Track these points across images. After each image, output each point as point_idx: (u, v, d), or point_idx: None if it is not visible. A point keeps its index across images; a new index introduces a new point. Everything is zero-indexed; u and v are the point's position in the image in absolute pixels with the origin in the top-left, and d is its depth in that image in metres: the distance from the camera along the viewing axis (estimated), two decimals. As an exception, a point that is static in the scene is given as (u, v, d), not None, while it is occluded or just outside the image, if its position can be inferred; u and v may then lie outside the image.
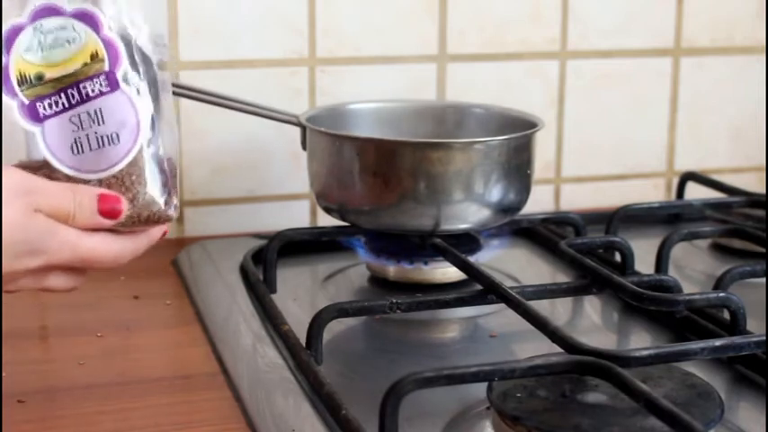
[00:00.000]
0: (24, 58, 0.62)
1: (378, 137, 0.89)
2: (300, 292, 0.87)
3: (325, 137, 0.86)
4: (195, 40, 0.99)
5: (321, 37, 1.02)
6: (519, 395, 0.60)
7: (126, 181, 0.62)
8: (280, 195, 1.04)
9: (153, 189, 0.63)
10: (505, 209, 0.86)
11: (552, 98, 1.11)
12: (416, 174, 0.82)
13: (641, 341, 0.79)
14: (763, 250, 0.87)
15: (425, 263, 0.86)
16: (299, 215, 1.05)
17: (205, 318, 0.82)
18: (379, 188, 0.83)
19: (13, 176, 0.58)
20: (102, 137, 0.62)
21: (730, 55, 1.16)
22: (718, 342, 0.65)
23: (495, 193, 0.84)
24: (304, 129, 0.89)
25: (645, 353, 0.63)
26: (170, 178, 0.64)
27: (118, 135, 0.62)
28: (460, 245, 0.85)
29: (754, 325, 0.73)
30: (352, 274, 0.91)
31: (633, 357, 0.62)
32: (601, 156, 1.14)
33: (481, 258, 0.87)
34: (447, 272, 0.85)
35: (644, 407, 0.55)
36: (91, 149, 0.62)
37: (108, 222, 0.61)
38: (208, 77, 0.99)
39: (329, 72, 1.03)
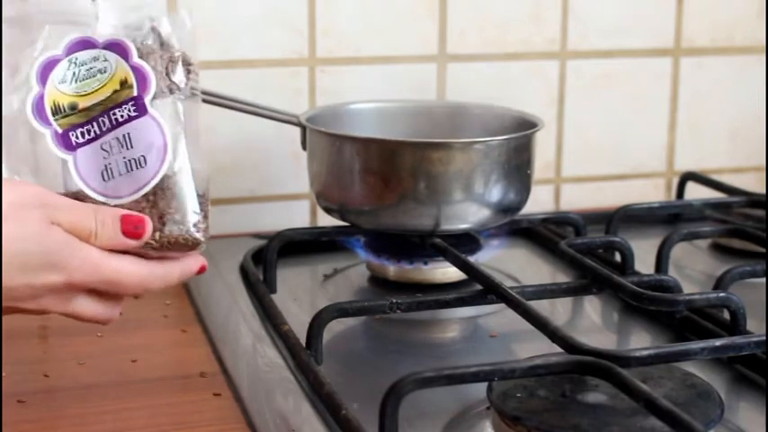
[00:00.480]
0: (59, 88, 0.63)
1: (378, 137, 0.89)
2: (300, 292, 0.87)
3: (325, 137, 0.86)
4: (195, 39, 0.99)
5: (321, 37, 1.02)
6: (519, 395, 0.60)
7: (154, 203, 0.62)
8: (280, 195, 1.04)
9: (182, 212, 0.63)
10: (505, 209, 0.86)
11: (552, 98, 1.11)
12: (416, 174, 0.82)
13: (641, 341, 0.79)
14: (763, 250, 0.87)
15: (425, 263, 0.86)
16: (299, 215, 1.05)
17: (205, 318, 0.82)
18: (379, 188, 0.83)
19: (29, 189, 0.58)
20: (130, 161, 0.62)
21: (730, 55, 1.16)
22: (718, 342, 0.65)
23: (495, 193, 0.84)
24: (304, 129, 0.89)
25: (645, 353, 0.63)
26: (201, 202, 0.64)
27: (145, 158, 0.62)
28: (460, 245, 0.85)
29: (754, 325, 0.73)
30: (352, 274, 0.91)
31: (633, 357, 0.62)
32: (601, 156, 1.14)
33: (481, 258, 0.87)
34: (447, 272, 0.85)
35: (644, 407, 0.55)
36: (120, 174, 0.62)
37: (132, 243, 0.60)
38: (208, 77, 0.98)
39: (329, 72, 1.03)
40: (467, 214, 0.84)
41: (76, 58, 0.63)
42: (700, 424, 0.53)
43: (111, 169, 0.62)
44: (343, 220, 0.87)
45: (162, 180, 0.62)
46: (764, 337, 0.65)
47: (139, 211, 0.62)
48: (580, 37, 1.10)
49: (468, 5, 1.06)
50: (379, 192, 0.83)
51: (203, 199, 0.65)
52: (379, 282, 0.88)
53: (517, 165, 0.85)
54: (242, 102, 0.91)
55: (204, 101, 0.89)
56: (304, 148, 0.90)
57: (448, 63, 1.07)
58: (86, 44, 0.63)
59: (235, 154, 1.02)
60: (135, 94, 0.63)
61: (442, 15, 1.05)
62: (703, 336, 0.73)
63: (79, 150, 0.62)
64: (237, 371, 0.72)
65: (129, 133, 0.62)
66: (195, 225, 0.63)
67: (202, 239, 0.63)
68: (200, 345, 0.77)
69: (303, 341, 0.70)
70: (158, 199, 0.62)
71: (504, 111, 0.94)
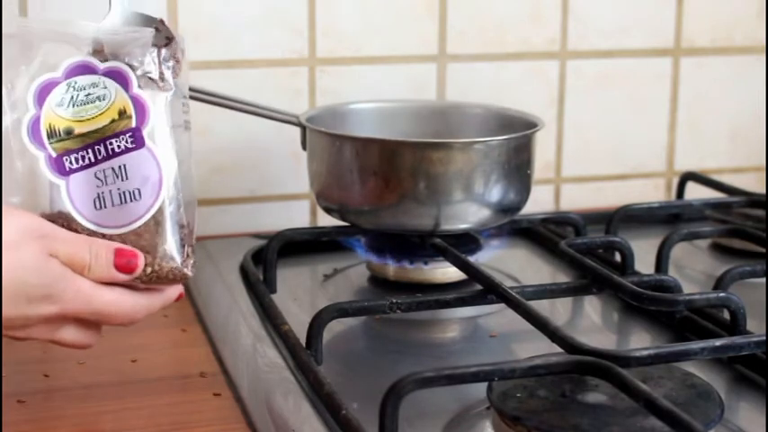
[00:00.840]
0: (56, 112, 0.63)
1: (378, 137, 0.89)
2: (300, 292, 0.87)
3: (326, 137, 0.86)
4: (195, 40, 0.99)
5: (321, 37, 1.02)
6: (519, 395, 0.60)
7: (145, 237, 0.62)
8: (280, 195, 1.04)
9: (172, 247, 0.63)
10: (505, 209, 0.86)
11: (552, 98, 1.11)
12: (416, 174, 0.82)
13: (641, 341, 0.79)
14: (763, 250, 0.87)
15: (425, 263, 0.86)
16: (299, 215, 1.05)
17: (205, 318, 0.82)
18: (379, 188, 0.83)
19: (25, 219, 0.58)
20: (124, 192, 0.62)
21: (730, 55, 1.16)
22: (718, 342, 0.65)
23: (495, 193, 0.84)
24: (304, 129, 0.89)
25: (645, 353, 0.63)
26: (188, 236, 0.64)
27: (140, 191, 0.62)
28: (460, 245, 0.85)
29: (754, 325, 0.73)
30: (352, 274, 0.91)
31: (633, 357, 0.62)
32: (601, 156, 1.14)
33: (481, 258, 0.87)
34: (447, 272, 0.85)
35: (644, 407, 0.55)
36: (113, 205, 0.62)
37: (124, 277, 0.61)
38: (208, 77, 0.99)
39: (329, 72, 1.03)
40: (467, 214, 0.84)
41: (75, 82, 0.63)
42: (700, 424, 0.53)
43: (104, 198, 0.62)
44: (343, 220, 0.87)
45: (154, 214, 0.62)
46: (764, 337, 0.65)
47: (128, 242, 0.62)
48: (580, 37, 1.10)
49: (468, 5, 1.06)
50: (379, 192, 0.83)
51: (190, 231, 0.65)
52: (379, 282, 0.88)
53: (517, 165, 0.85)
54: (242, 102, 0.91)
55: (204, 101, 0.89)
56: (304, 148, 0.90)
57: (448, 63, 1.07)
58: (86, 69, 0.63)
59: (235, 154, 1.02)
60: (133, 125, 0.63)
61: (441, 15, 1.05)
62: (703, 336, 0.73)
63: (72, 176, 0.62)
64: (237, 371, 0.72)
65: (124, 164, 0.62)
66: (184, 261, 0.63)
67: (191, 274, 0.64)
68: (200, 345, 0.77)
69: (303, 341, 0.70)
70: (150, 233, 0.62)
71: (504, 111, 0.94)
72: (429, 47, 1.06)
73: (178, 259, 0.63)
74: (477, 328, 0.80)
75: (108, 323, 0.63)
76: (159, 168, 0.63)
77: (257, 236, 0.95)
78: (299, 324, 0.73)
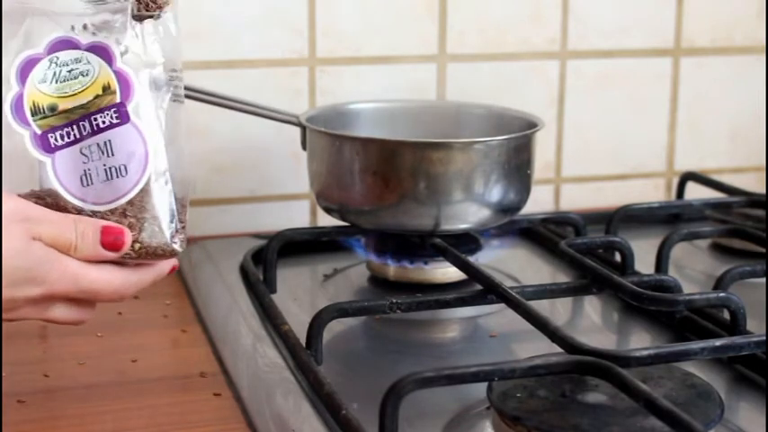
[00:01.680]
0: (39, 88, 0.62)
1: (378, 137, 0.89)
2: (300, 292, 0.87)
3: (326, 137, 0.86)
4: (195, 40, 0.99)
5: (321, 37, 1.02)
6: (519, 395, 0.60)
7: (133, 213, 0.62)
8: (280, 195, 1.04)
9: (160, 222, 0.63)
10: (505, 209, 0.86)
11: (552, 98, 1.11)
12: (416, 174, 0.82)
13: (641, 341, 0.79)
14: (763, 250, 0.87)
15: (425, 263, 0.86)
16: (299, 215, 1.05)
17: (205, 318, 0.82)
18: (379, 188, 0.83)
19: (10, 203, 0.58)
20: (110, 168, 0.62)
21: (730, 55, 1.16)
22: (718, 342, 0.65)
23: (495, 193, 0.84)
24: (304, 129, 0.89)
25: (645, 353, 0.63)
26: (179, 211, 0.64)
27: (126, 167, 0.62)
28: (460, 245, 0.85)
29: (754, 325, 0.73)
30: (352, 274, 0.91)
31: (633, 357, 0.62)
32: (601, 156, 1.14)
33: (481, 258, 0.87)
34: (447, 272, 0.85)
35: (644, 407, 0.55)
36: (100, 181, 0.62)
37: (111, 255, 0.61)
38: (208, 77, 0.99)
39: (329, 72, 1.03)
40: (467, 214, 0.84)
41: (57, 58, 0.62)
42: (700, 424, 0.53)
43: (90, 175, 0.62)
44: (343, 220, 0.87)
45: (141, 189, 0.62)
46: (764, 337, 0.65)
47: (117, 220, 0.62)
48: (580, 37, 1.10)
49: (468, 5, 1.06)
50: (379, 192, 0.83)
51: (182, 207, 0.64)
52: (379, 282, 0.88)
53: (517, 165, 0.85)
54: (242, 102, 0.91)
55: (204, 101, 0.89)
56: (304, 148, 0.90)
57: (448, 63, 1.07)
58: (68, 44, 0.62)
59: (235, 154, 1.02)
60: (118, 100, 0.62)
61: (441, 15, 1.06)
62: (703, 336, 0.73)
63: (58, 153, 0.62)
64: (237, 371, 0.72)
65: (110, 140, 0.62)
66: (173, 236, 0.63)
67: (180, 250, 0.64)
68: (200, 345, 0.77)
69: (303, 341, 0.70)
70: (137, 208, 0.62)
71: (504, 111, 0.94)
72: (429, 47, 1.06)
73: (167, 234, 0.63)
74: (477, 328, 0.80)
75: (99, 300, 0.63)
76: (145, 144, 0.62)
77: (257, 236, 0.95)
78: (299, 324, 0.73)
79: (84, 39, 0.63)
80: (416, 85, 1.06)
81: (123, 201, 0.62)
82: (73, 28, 0.63)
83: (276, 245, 0.85)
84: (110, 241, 0.61)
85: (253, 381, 0.70)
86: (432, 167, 0.81)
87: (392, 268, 0.87)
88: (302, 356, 0.69)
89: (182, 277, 0.90)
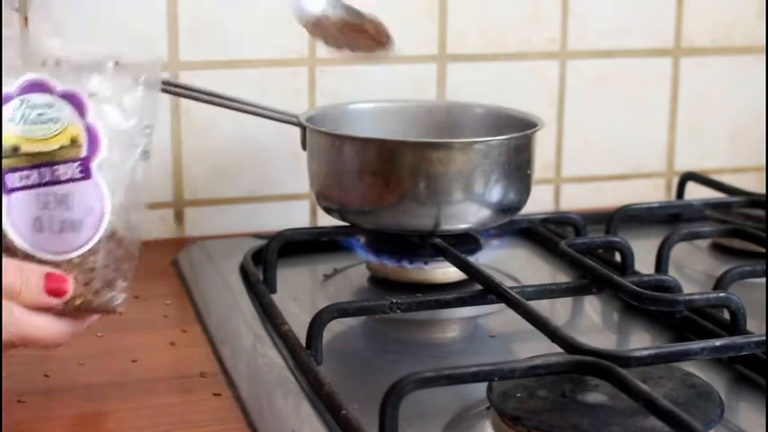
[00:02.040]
0: (5, 126, 0.61)
1: (378, 137, 0.89)
2: (300, 292, 0.87)
3: (326, 137, 0.86)
4: (195, 40, 0.99)
5: (321, 37, 1.02)
6: (519, 395, 0.60)
7: (80, 268, 0.62)
8: (280, 195, 1.04)
9: (104, 282, 0.63)
10: (505, 209, 0.86)
11: (552, 98, 1.11)
12: (416, 174, 0.82)
13: (641, 341, 0.79)
14: (763, 250, 0.87)
15: (425, 263, 0.86)
16: (299, 215, 1.05)
17: (205, 318, 0.82)
18: (379, 188, 0.83)
19: None
20: (64, 221, 0.62)
21: (730, 55, 1.16)
22: (718, 342, 0.65)
23: (495, 193, 0.84)
24: (304, 129, 0.89)
25: (645, 353, 0.62)
26: (126, 271, 0.64)
27: (81, 222, 0.62)
28: (460, 245, 0.85)
29: (754, 325, 0.72)
30: (352, 274, 0.91)
31: (633, 357, 0.62)
32: (601, 156, 1.14)
33: (481, 258, 0.87)
34: (447, 272, 0.85)
35: (644, 407, 0.55)
36: (52, 231, 0.62)
37: (54, 301, 0.61)
38: (208, 77, 0.99)
39: (329, 72, 1.03)
40: (467, 214, 0.84)
41: (29, 100, 0.61)
42: (700, 424, 0.53)
43: (42, 222, 0.61)
44: (343, 220, 0.87)
45: (91, 248, 0.62)
46: (764, 337, 0.65)
47: (62, 269, 0.62)
48: (580, 37, 1.10)
49: (468, 5, 1.06)
50: (379, 192, 0.83)
51: (130, 267, 0.64)
52: (379, 282, 0.88)
53: (517, 165, 0.85)
54: (242, 102, 0.91)
55: (204, 101, 0.89)
56: (304, 148, 0.90)
57: (448, 63, 1.07)
58: (41, 87, 0.62)
59: (235, 154, 1.02)
60: (84, 154, 0.62)
61: (441, 15, 1.05)
62: (703, 336, 0.73)
63: (14, 195, 0.61)
64: (237, 371, 0.72)
65: (69, 193, 0.61)
66: (117, 295, 0.63)
67: (120, 311, 0.64)
68: (200, 345, 0.77)
69: (303, 341, 0.70)
70: (84, 265, 0.62)
71: (504, 111, 0.94)
72: (429, 47, 1.06)
73: (108, 295, 0.63)
74: (477, 328, 0.80)
75: (34, 346, 0.63)
76: (103, 202, 0.62)
77: (257, 236, 0.95)
78: (299, 324, 0.73)
79: (59, 84, 0.62)
80: (416, 85, 1.06)
81: (73, 255, 0.62)
82: (49, 68, 0.62)
83: (276, 245, 0.85)
84: (53, 288, 0.61)
85: (253, 381, 0.70)
86: (432, 167, 0.81)
87: (392, 268, 0.87)
88: (302, 356, 0.69)
89: (182, 277, 0.90)
